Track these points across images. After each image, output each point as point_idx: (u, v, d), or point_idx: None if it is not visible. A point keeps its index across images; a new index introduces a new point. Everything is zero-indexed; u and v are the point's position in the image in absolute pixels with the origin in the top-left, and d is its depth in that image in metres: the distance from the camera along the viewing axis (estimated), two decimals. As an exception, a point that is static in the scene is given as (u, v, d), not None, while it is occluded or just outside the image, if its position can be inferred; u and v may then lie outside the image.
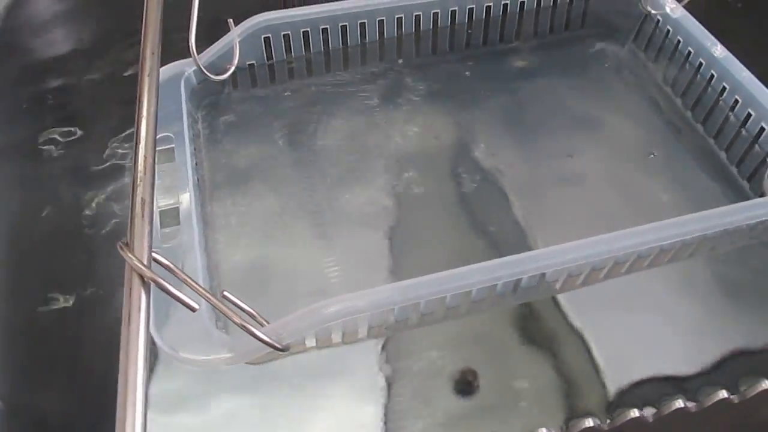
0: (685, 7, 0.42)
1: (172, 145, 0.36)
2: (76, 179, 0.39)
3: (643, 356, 0.31)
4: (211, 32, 0.41)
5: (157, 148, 0.36)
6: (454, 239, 0.36)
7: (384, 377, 0.30)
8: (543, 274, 0.30)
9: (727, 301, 0.33)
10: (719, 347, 0.31)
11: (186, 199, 0.34)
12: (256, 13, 0.41)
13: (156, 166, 0.33)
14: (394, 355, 0.31)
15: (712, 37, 0.40)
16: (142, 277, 0.23)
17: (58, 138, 0.40)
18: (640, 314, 0.33)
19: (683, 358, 0.31)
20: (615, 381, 0.30)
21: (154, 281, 0.23)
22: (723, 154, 0.39)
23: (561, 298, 0.33)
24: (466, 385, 0.30)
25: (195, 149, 0.38)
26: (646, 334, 0.32)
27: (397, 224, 0.36)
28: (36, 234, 0.36)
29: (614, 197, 0.37)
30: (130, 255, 0.23)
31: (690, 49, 0.41)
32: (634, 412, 0.27)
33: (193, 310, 0.24)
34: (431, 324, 0.31)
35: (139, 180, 0.26)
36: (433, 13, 0.43)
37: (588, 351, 0.31)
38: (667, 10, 0.42)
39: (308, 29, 0.42)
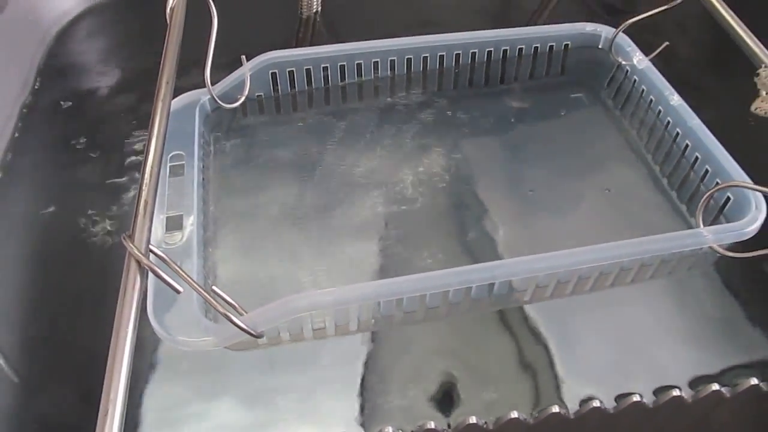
0: (651, 59, 0.47)
1: (183, 162, 0.41)
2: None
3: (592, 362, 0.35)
4: (228, 66, 0.47)
5: (170, 164, 0.42)
6: (440, 258, 0.40)
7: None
8: (491, 285, 0.35)
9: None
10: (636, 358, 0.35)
11: (190, 209, 0.39)
12: (267, 51, 0.47)
13: (160, 176, 0.39)
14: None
15: (671, 87, 0.44)
16: (139, 263, 0.28)
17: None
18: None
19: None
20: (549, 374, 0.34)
21: (149, 267, 0.28)
22: (674, 194, 0.43)
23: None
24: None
25: (204, 167, 0.43)
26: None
27: (387, 241, 0.40)
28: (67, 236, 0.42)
29: (570, 228, 0.41)
30: (130, 245, 0.29)
31: (652, 97, 0.45)
32: (555, 408, 0.31)
33: (177, 291, 0.29)
34: (391, 327, 0.36)
35: (144, 185, 0.31)
36: (423, 57, 0.48)
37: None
38: (634, 61, 0.47)
39: (310, 67, 0.47)
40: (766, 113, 0.35)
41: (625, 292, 0.38)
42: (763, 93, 0.35)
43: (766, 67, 0.35)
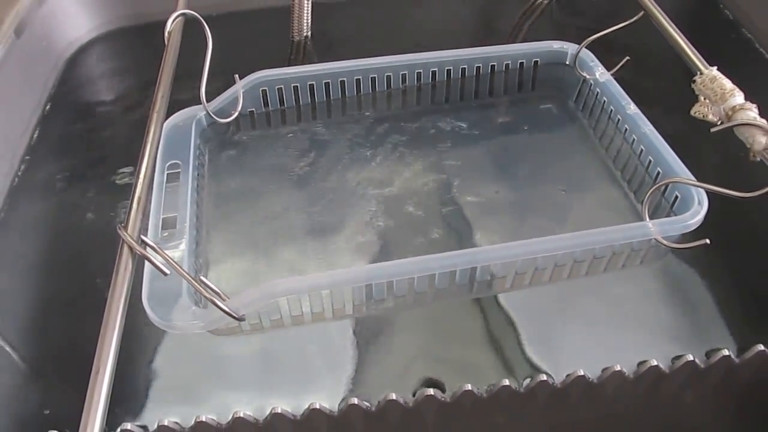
0: (613, 74, 0.51)
1: (180, 170, 0.46)
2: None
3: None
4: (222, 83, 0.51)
5: (168, 172, 0.46)
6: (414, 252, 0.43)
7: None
8: (453, 273, 0.38)
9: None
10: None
11: (185, 211, 0.42)
12: (258, 69, 0.51)
13: (159, 182, 0.43)
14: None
15: (628, 98, 0.48)
16: (131, 249, 0.32)
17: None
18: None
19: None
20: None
21: (139, 251, 0.32)
22: (632, 195, 0.46)
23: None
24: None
25: (199, 174, 0.47)
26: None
27: (368, 238, 0.44)
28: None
29: (534, 225, 0.45)
30: (124, 233, 0.33)
31: (612, 107, 0.49)
32: (505, 381, 0.34)
33: (164, 273, 0.32)
34: (362, 314, 0.39)
35: (139, 183, 0.35)
36: (402, 74, 0.52)
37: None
38: (597, 75, 0.51)
39: (298, 84, 0.51)
40: (704, 116, 0.38)
41: (583, 285, 0.41)
42: (701, 98, 0.39)
43: (701, 74, 0.39)
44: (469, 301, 0.41)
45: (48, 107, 0.55)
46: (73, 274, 0.44)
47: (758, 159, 0.35)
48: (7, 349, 0.40)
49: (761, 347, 0.35)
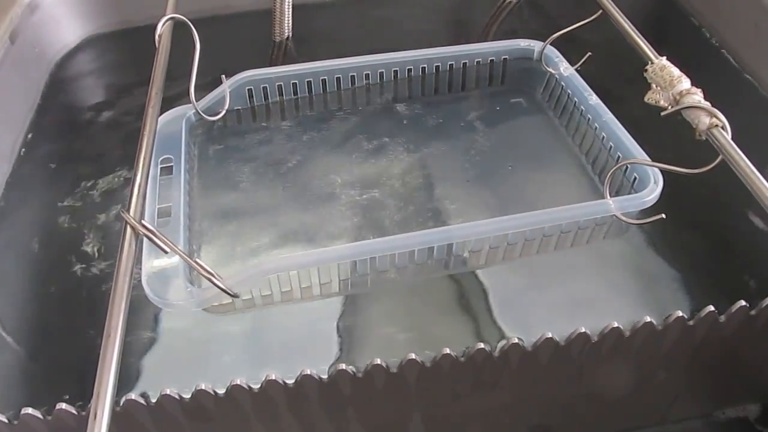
0: (576, 68, 0.54)
1: (172, 164, 0.48)
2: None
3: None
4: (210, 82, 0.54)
5: (161, 166, 0.48)
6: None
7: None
8: (431, 249, 0.41)
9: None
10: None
11: (178, 201, 0.45)
12: (244, 69, 0.54)
13: (154, 176, 0.46)
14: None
15: (589, 89, 0.51)
16: (134, 230, 0.35)
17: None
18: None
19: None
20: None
21: (141, 231, 0.35)
22: (596, 178, 0.49)
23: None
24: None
25: (189, 167, 0.50)
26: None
27: (349, 221, 0.47)
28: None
29: (508, 209, 0.48)
30: (127, 215, 0.35)
31: (576, 99, 0.52)
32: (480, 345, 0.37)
33: (165, 251, 0.35)
34: (348, 291, 0.42)
35: (139, 171, 0.38)
36: (379, 72, 0.56)
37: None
38: (561, 70, 0.54)
39: (281, 83, 0.54)
40: (656, 102, 0.42)
41: (552, 262, 0.45)
42: (653, 85, 0.42)
43: (652, 63, 0.42)
44: (449, 281, 0.44)
45: (41, 106, 0.57)
46: (65, 268, 0.47)
47: (704, 138, 0.38)
48: (11, 334, 0.42)
49: (711, 308, 0.38)
